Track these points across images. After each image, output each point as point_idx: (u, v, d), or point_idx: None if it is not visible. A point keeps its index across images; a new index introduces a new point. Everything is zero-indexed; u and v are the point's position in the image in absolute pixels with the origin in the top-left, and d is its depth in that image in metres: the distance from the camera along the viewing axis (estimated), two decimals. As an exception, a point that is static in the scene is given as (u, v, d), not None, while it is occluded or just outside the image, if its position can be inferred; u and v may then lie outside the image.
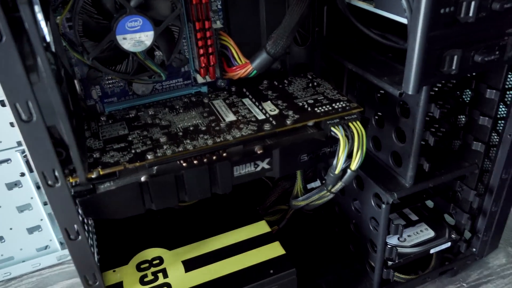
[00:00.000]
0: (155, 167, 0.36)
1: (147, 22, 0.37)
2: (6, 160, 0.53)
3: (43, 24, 0.29)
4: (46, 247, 0.61)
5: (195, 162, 0.37)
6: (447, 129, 0.50)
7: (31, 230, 0.59)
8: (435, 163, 0.47)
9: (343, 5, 0.43)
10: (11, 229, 0.58)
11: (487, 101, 0.46)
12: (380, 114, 0.47)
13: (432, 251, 0.52)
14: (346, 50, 0.48)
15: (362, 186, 0.49)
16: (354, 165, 0.40)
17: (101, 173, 0.35)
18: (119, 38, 0.36)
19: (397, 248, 0.50)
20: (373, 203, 0.48)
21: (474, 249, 0.56)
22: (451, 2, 0.34)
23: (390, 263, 0.51)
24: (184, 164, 0.37)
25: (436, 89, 0.46)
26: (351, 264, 0.56)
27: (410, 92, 0.37)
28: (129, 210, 0.37)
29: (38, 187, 0.56)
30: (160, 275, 0.45)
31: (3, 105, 0.50)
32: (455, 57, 0.37)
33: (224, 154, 0.38)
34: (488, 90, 0.45)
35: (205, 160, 0.37)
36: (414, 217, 0.56)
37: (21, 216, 0.57)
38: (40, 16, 0.26)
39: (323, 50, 0.50)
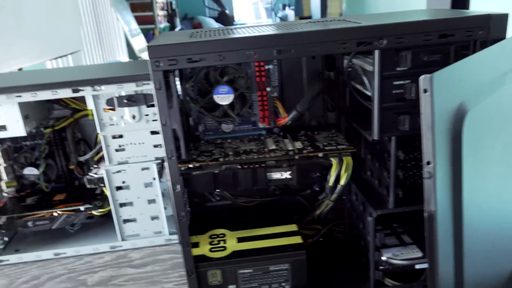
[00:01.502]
0: (224, 166, 0.65)
1: (230, 89, 0.68)
2: (147, 168, 0.87)
3: (178, 85, 0.62)
4: (159, 232, 0.92)
5: (245, 166, 0.65)
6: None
7: (152, 218, 0.91)
8: (413, 197, 0.68)
9: (351, 88, 0.70)
10: (141, 214, 0.90)
11: (448, 154, 0.66)
12: (378, 159, 0.71)
13: (416, 266, 0.71)
14: (354, 114, 0.73)
15: (364, 208, 0.72)
16: (342, 181, 0.64)
17: (195, 165, 0.65)
18: (215, 96, 0.68)
19: (386, 256, 0.70)
20: (368, 219, 0.70)
21: (459, 276, 0.72)
22: (399, 87, 0.59)
23: (380, 267, 0.70)
24: (239, 167, 0.65)
25: (412, 145, 0.68)
26: (360, 273, 0.76)
27: (375, 138, 0.61)
28: (205, 189, 0.66)
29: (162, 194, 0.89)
30: (221, 242, 0.72)
31: (152, 133, 0.84)
32: (406, 120, 0.60)
33: (263, 165, 0.65)
34: (447, 146, 0.65)
35: (251, 166, 0.65)
36: (408, 240, 0.74)
37: (149, 207, 0.90)
38: (177, 81, 0.58)
39: (345, 116, 0.76)
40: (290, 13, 5.62)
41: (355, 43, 0.55)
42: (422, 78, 0.41)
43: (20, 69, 1.42)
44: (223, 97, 0.68)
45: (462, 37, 0.56)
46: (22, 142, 0.94)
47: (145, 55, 3.78)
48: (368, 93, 0.62)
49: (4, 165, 0.94)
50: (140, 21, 4.11)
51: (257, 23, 6.30)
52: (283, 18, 5.90)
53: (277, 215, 0.79)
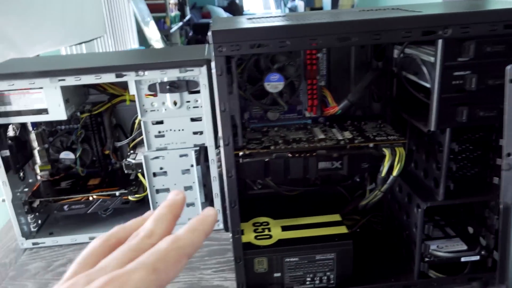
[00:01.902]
0: (274, 154, 0.65)
1: (281, 77, 0.67)
2: (185, 155, 0.86)
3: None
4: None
5: (296, 155, 0.65)
6: (478, 169, 0.70)
7: (188, 205, 0.91)
8: (462, 190, 0.67)
9: (401, 77, 0.69)
10: (177, 201, 0.90)
11: (500, 148, 0.66)
12: (427, 151, 0.70)
13: (462, 259, 0.70)
14: (402, 105, 0.72)
15: (410, 200, 0.71)
16: (395, 172, 0.64)
17: (246, 152, 0.64)
18: (265, 84, 0.67)
19: (432, 248, 0.69)
20: (415, 211, 0.69)
21: (503, 270, 0.72)
22: (459, 77, 0.58)
23: (426, 259, 0.70)
24: (290, 155, 0.65)
25: (465, 137, 0.68)
26: (402, 265, 0.76)
27: (432, 128, 0.60)
28: (256, 176, 0.66)
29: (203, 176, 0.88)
30: (266, 230, 0.72)
31: (192, 120, 0.84)
32: (464, 111, 0.60)
33: (314, 154, 0.65)
34: (501, 139, 0.65)
35: (302, 155, 0.65)
36: (452, 233, 0.74)
37: (185, 194, 0.90)
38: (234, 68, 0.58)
39: (392, 106, 0.76)
40: (300, 4, 5.58)
41: (420, 32, 0.54)
42: (509, 67, 0.40)
43: (37, 56, 1.41)
44: (274, 85, 0.67)
45: (527, 28, 0.55)
46: (57, 126, 0.94)
47: (157, 44, 3.75)
48: (426, 84, 0.61)
49: (39, 148, 0.94)
50: (151, 9, 4.08)
51: (277, 13, 6.26)
52: (292, 9, 5.85)
53: (317, 205, 0.78)
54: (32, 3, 1.35)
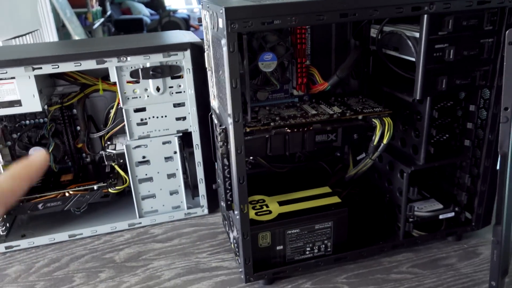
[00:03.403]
0: (273, 130, 0.67)
1: (274, 56, 0.69)
2: (168, 142, 0.86)
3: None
4: (178, 206, 0.92)
5: (294, 130, 0.68)
6: (449, 135, 0.77)
7: (171, 193, 0.90)
8: (439, 154, 0.75)
9: (381, 54, 0.74)
10: (161, 189, 0.89)
11: (471, 113, 0.74)
12: (404, 121, 0.76)
13: (440, 216, 0.78)
14: (383, 81, 0.78)
15: (392, 167, 0.77)
16: (385, 140, 0.69)
17: (247, 130, 0.66)
18: (259, 63, 0.69)
19: (415, 210, 0.76)
20: (399, 177, 0.75)
21: (473, 223, 0.81)
22: (439, 50, 0.65)
23: (410, 219, 0.77)
24: (288, 130, 0.67)
25: (439, 105, 0.75)
26: (386, 228, 0.82)
27: (418, 97, 0.66)
28: (258, 153, 0.68)
29: (182, 163, 0.88)
30: (264, 207, 0.74)
31: (175, 106, 0.83)
32: (444, 80, 0.66)
33: (311, 128, 0.68)
34: (471, 105, 0.73)
35: (300, 129, 0.68)
36: (427, 195, 0.82)
37: (168, 182, 0.89)
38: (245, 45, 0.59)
39: (369, 82, 0.81)
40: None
41: (410, 8, 0.60)
42: (508, 31, 0.46)
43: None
44: (268, 64, 0.69)
45: (495, 3, 0.63)
46: (21, 121, 0.89)
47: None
48: (410, 58, 0.67)
49: (0, 146, 0.88)
50: (71, 4, 3.87)
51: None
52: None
53: (304, 180, 0.82)
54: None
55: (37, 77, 0.76)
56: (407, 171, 0.73)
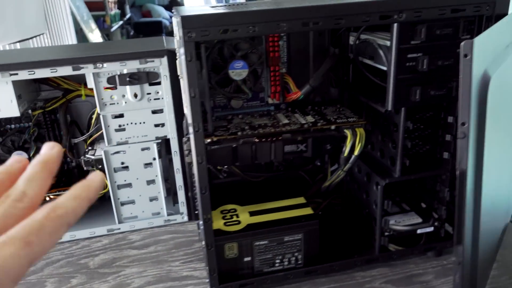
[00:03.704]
0: (241, 140, 0.66)
1: (245, 64, 0.68)
2: (147, 148, 0.85)
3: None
4: (158, 213, 0.91)
5: (262, 140, 0.66)
6: (429, 146, 0.75)
7: (151, 199, 0.90)
8: (418, 166, 0.72)
9: (358, 62, 0.73)
10: (140, 195, 0.89)
11: (449, 125, 0.71)
12: (383, 132, 0.74)
13: (418, 231, 0.75)
14: (361, 90, 0.76)
15: (369, 179, 0.75)
16: (357, 151, 0.67)
17: (214, 139, 0.65)
18: (230, 71, 0.68)
19: (391, 223, 0.74)
20: (375, 189, 0.73)
21: (453, 239, 0.77)
22: (412, 59, 0.63)
23: (386, 233, 0.74)
24: (256, 140, 0.66)
25: (417, 116, 0.73)
26: (363, 241, 0.80)
27: (389, 108, 0.64)
28: (224, 162, 0.67)
29: (162, 170, 0.88)
30: (234, 217, 0.73)
31: (153, 112, 0.83)
32: (417, 91, 0.64)
33: (280, 138, 0.67)
34: (449, 116, 0.70)
35: (268, 139, 0.66)
36: (407, 208, 0.79)
37: (148, 188, 0.89)
38: (203, 54, 0.58)
39: (349, 91, 0.79)
40: None
41: (377, 16, 0.58)
42: (463, 43, 0.44)
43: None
44: (238, 72, 0.68)
45: (471, 12, 0.61)
46: (6, 125, 0.90)
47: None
48: (382, 67, 0.65)
49: (-15, 149, 0.89)
50: (89, 7, 3.94)
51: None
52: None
53: (282, 190, 0.80)
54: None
55: (17, 83, 0.77)
56: (382, 183, 0.71)
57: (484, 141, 0.51)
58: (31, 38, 1.62)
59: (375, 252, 0.76)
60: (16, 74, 0.74)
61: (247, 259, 0.70)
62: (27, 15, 1.54)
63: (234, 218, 0.72)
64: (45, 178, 0.30)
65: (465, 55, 0.44)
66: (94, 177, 0.31)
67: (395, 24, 0.60)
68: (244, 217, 0.72)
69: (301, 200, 0.77)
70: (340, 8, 0.57)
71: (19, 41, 1.50)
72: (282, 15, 0.55)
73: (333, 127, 0.69)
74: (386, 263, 0.76)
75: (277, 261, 0.71)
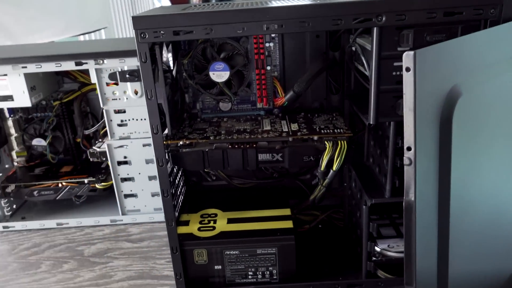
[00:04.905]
0: (214, 144, 0.64)
1: (226, 66, 0.66)
2: (149, 144, 0.86)
3: (171, 60, 0.60)
4: (160, 209, 0.92)
5: (235, 146, 0.63)
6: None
7: (153, 194, 0.91)
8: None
9: (353, 67, 0.66)
10: (142, 190, 0.90)
11: (451, 144, 0.62)
12: (380, 146, 0.67)
13: (413, 260, 0.67)
14: (358, 97, 0.69)
15: (361, 196, 0.68)
16: (335, 166, 0.61)
17: (185, 142, 0.64)
18: (211, 73, 0.66)
19: (381, 247, 0.67)
20: (364, 208, 0.67)
21: (459, 273, 0.68)
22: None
23: (373, 258, 0.67)
24: (229, 146, 0.63)
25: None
26: (355, 263, 0.73)
27: (371, 122, 0.58)
28: (195, 166, 0.65)
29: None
30: (211, 222, 0.71)
31: (153, 110, 0.83)
32: (405, 104, 0.57)
33: (254, 145, 0.63)
34: (450, 135, 0.61)
35: (241, 146, 0.63)
36: (405, 233, 0.71)
37: (150, 183, 0.90)
38: (165, 55, 0.57)
39: (349, 98, 0.73)
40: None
41: (351, 19, 0.52)
42: (405, 55, 0.37)
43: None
44: (219, 74, 0.66)
45: (471, 15, 0.52)
46: (33, 113, 0.96)
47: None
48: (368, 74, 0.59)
49: (15, 135, 0.97)
50: (172, 2, 4.11)
51: None
52: None
53: (274, 198, 0.77)
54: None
55: (32, 74, 0.82)
56: (368, 203, 0.64)
57: (450, 168, 0.44)
58: (94, 31, 1.73)
59: (362, 277, 0.69)
60: (26, 67, 0.78)
61: (217, 267, 0.68)
62: (90, 8, 1.64)
63: (211, 224, 0.70)
64: None
65: (407, 69, 0.38)
66: None
67: (375, 28, 0.53)
68: (221, 224, 0.70)
69: (286, 211, 0.72)
70: (306, 10, 0.52)
71: (81, 34, 1.61)
72: (240, 17, 0.52)
73: (315, 137, 0.64)
74: (371, 291, 0.69)
75: (250, 273, 0.68)
